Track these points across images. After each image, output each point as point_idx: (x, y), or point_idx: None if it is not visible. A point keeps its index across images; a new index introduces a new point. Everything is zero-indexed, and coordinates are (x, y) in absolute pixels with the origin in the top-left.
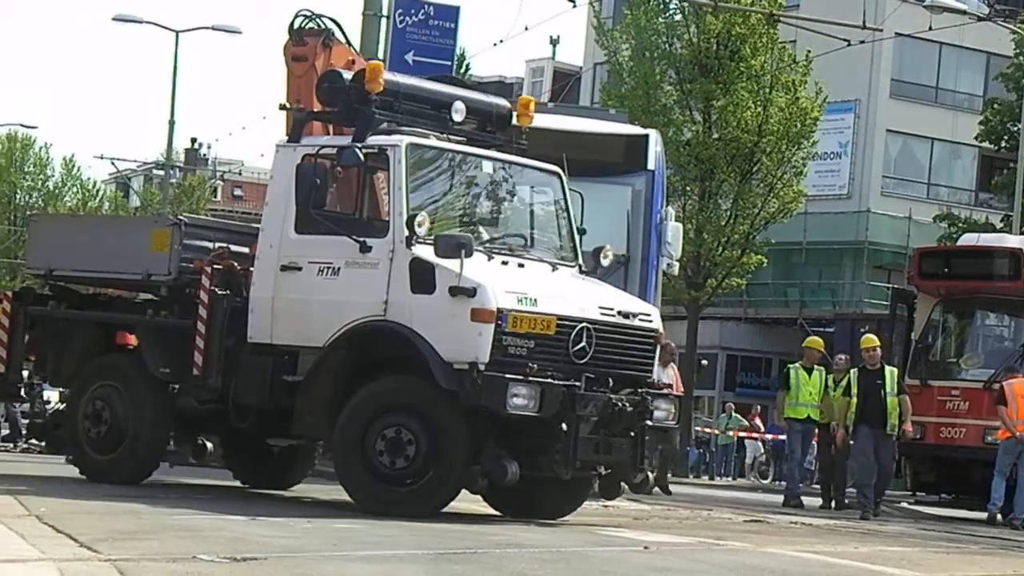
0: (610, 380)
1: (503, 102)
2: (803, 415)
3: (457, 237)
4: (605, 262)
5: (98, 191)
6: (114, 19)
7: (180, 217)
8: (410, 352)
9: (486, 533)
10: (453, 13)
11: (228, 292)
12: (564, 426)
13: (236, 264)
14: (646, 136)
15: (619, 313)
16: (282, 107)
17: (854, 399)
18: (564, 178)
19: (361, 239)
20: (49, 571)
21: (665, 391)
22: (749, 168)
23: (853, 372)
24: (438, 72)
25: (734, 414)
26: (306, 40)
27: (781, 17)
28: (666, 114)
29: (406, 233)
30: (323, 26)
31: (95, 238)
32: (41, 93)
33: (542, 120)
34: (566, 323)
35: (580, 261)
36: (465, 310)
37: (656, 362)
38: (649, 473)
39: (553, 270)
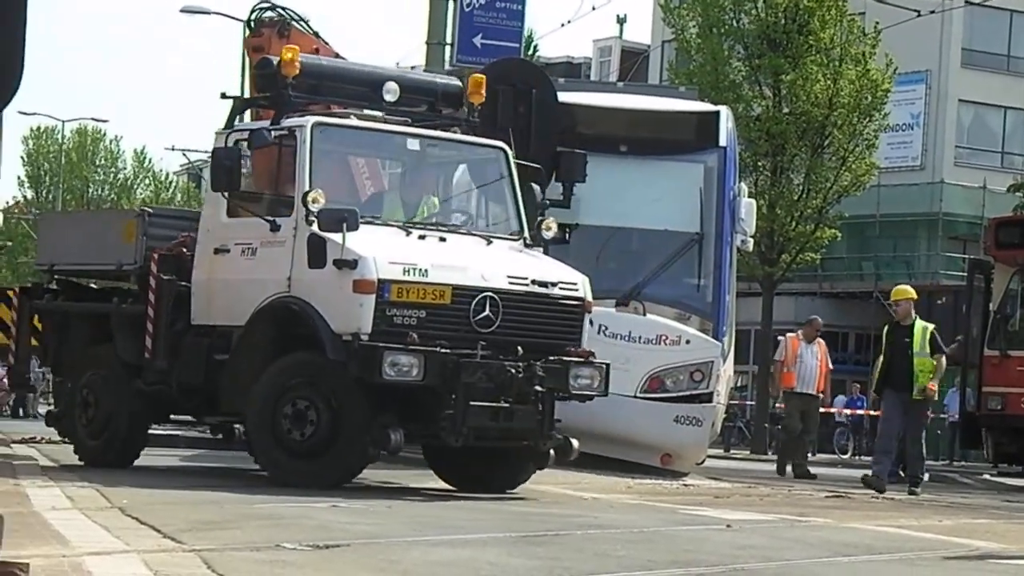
0: (519, 348)
1: (453, 81)
2: None
3: (340, 211)
4: (548, 235)
5: (170, 183)
6: (182, 11)
7: (145, 208)
8: (308, 326)
9: (569, 515)
10: None
11: (174, 277)
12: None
13: (185, 250)
14: (717, 113)
15: (534, 282)
16: (223, 96)
17: (882, 357)
18: (510, 153)
19: (271, 219)
20: (135, 563)
21: (588, 359)
22: (820, 142)
23: (886, 328)
24: (506, 54)
25: None
26: (262, 31)
27: None
28: (735, 90)
29: (304, 211)
30: (282, 16)
31: (83, 232)
32: (110, 86)
33: (613, 100)
34: (464, 293)
35: (527, 234)
36: (348, 282)
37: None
38: (572, 441)
39: (488, 243)
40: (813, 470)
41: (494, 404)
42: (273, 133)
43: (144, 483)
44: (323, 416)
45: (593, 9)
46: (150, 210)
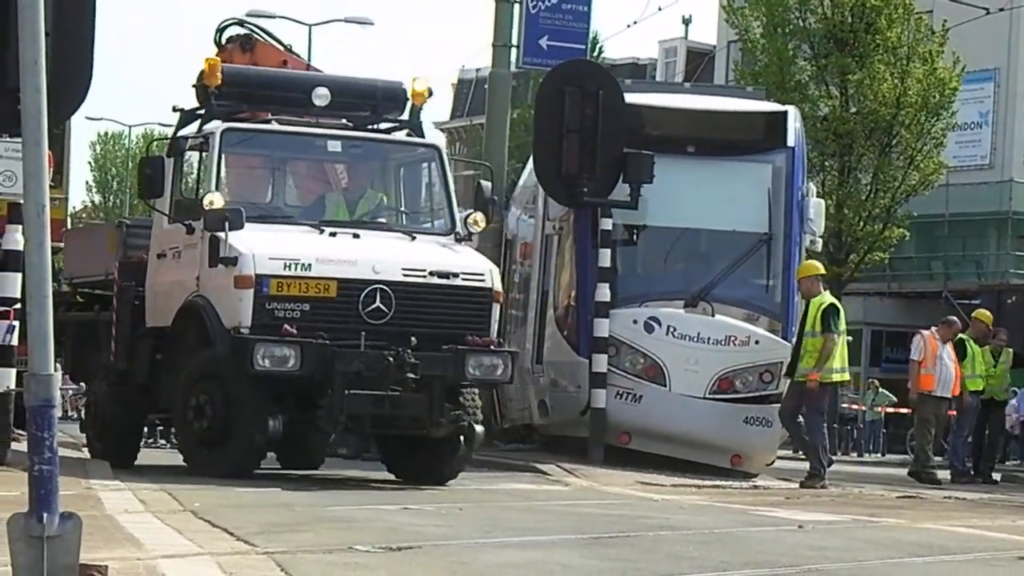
0: (412, 339)
1: (395, 83)
2: (980, 386)
3: (223, 211)
4: (476, 229)
5: None
6: (247, 15)
7: (123, 220)
8: (205, 322)
9: (639, 516)
10: None
11: (133, 283)
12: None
13: (146, 257)
14: (785, 113)
15: (432, 274)
16: (175, 109)
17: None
18: (443, 152)
19: (188, 222)
20: (209, 565)
21: (491, 346)
22: (888, 141)
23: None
24: (572, 56)
25: (881, 390)
26: (227, 47)
27: None
28: (802, 90)
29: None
30: (250, 32)
31: (86, 245)
32: (176, 90)
33: (680, 100)
34: (351, 286)
35: (457, 229)
36: (231, 278)
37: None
38: (476, 427)
39: (412, 239)
40: (881, 471)
41: (376, 392)
42: (190, 141)
43: (212, 485)
44: (218, 408)
45: (659, 10)
46: (128, 221)
